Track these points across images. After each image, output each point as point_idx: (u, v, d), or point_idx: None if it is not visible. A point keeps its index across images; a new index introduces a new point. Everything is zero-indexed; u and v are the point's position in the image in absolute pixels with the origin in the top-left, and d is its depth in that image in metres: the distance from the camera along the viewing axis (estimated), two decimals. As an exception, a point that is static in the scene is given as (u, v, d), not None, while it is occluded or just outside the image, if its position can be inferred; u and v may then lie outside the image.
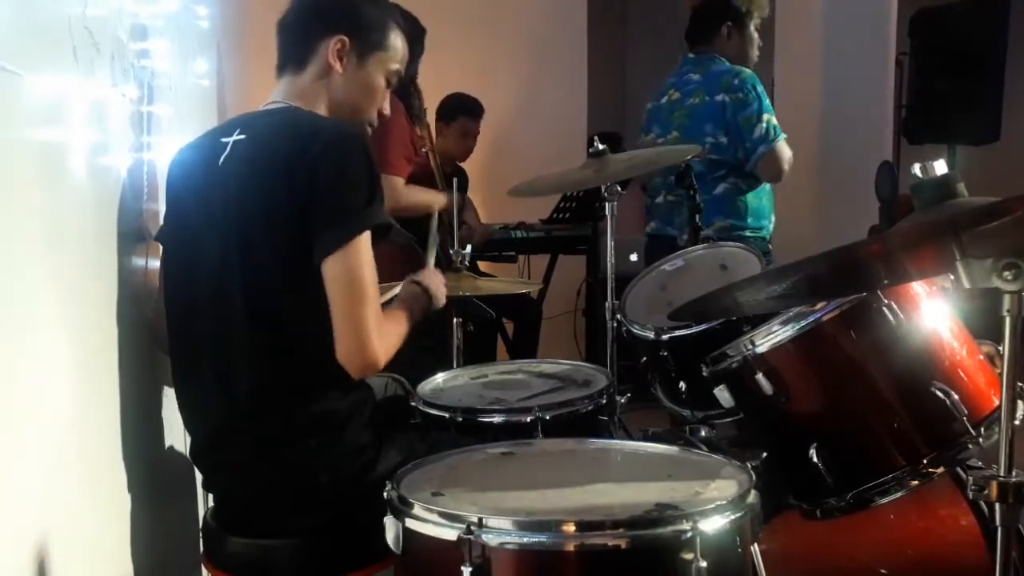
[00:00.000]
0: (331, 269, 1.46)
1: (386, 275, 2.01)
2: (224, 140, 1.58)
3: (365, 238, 1.48)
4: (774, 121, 2.94)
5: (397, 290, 1.82)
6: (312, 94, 1.67)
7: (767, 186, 3.06)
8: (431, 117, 3.51)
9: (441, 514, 1.23)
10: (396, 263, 2.03)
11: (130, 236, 1.68)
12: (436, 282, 1.80)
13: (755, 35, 3.15)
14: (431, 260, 2.01)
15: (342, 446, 1.53)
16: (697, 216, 2.64)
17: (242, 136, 1.57)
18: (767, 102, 2.96)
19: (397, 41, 1.74)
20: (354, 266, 1.46)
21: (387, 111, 1.79)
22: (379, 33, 1.71)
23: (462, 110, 3.97)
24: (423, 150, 3.05)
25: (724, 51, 3.10)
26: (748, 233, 3.00)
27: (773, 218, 3.13)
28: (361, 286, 1.47)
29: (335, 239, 1.45)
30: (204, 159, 1.60)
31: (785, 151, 2.94)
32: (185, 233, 1.61)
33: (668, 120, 3.11)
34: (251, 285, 1.50)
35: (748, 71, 3.01)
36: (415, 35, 2.93)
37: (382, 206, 1.51)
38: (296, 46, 1.67)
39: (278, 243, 1.48)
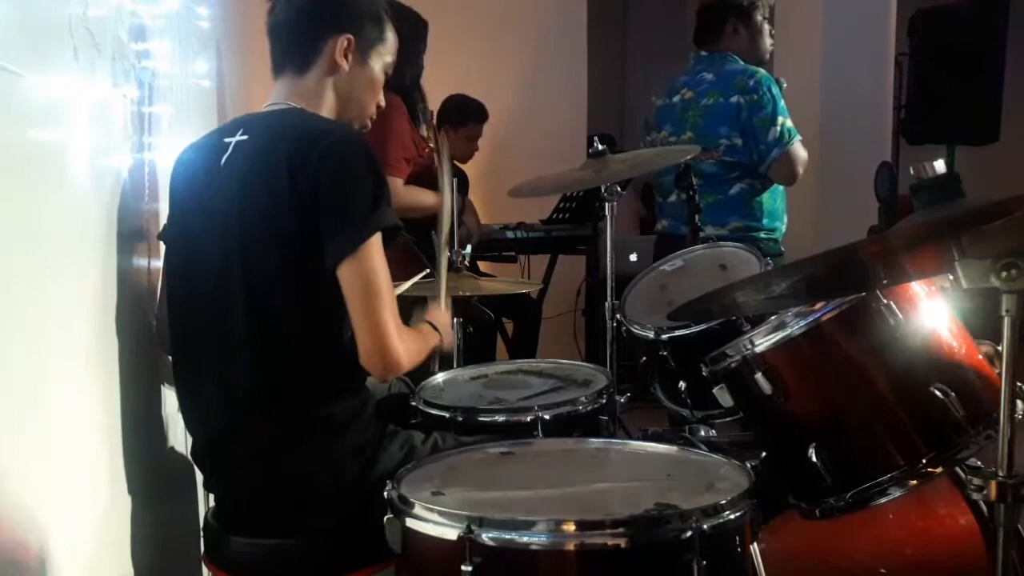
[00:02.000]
0: (346, 275, 1.46)
1: None
2: (227, 140, 1.58)
3: (376, 241, 1.48)
4: (789, 123, 2.87)
5: (401, 289, 1.82)
6: (316, 94, 1.67)
7: (780, 187, 3.01)
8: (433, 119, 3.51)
9: (441, 513, 1.23)
10: (393, 264, 2.03)
11: (131, 236, 1.68)
12: (446, 323, 1.81)
13: (765, 26, 3.07)
14: (442, 298, 1.93)
15: (342, 447, 1.53)
16: (696, 216, 2.64)
17: (244, 136, 1.57)
18: (782, 104, 2.90)
19: (391, 32, 1.75)
20: (367, 270, 1.46)
21: (383, 103, 1.79)
22: (378, 27, 1.72)
23: (470, 115, 3.99)
24: (426, 151, 3.05)
25: (734, 48, 3.03)
26: (762, 234, 2.96)
27: (786, 219, 3.08)
28: (376, 289, 1.47)
29: (346, 245, 1.45)
30: (206, 159, 1.60)
31: (799, 153, 2.88)
32: (187, 233, 1.61)
33: (682, 120, 3.04)
34: (252, 286, 1.50)
35: (762, 72, 2.94)
36: (418, 32, 2.92)
37: (390, 208, 1.51)
38: (297, 47, 1.66)
39: (279, 244, 1.49)
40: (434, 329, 1.75)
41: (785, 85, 2.99)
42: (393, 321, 1.49)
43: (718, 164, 2.91)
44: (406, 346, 1.51)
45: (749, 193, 2.94)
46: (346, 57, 1.66)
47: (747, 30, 3.04)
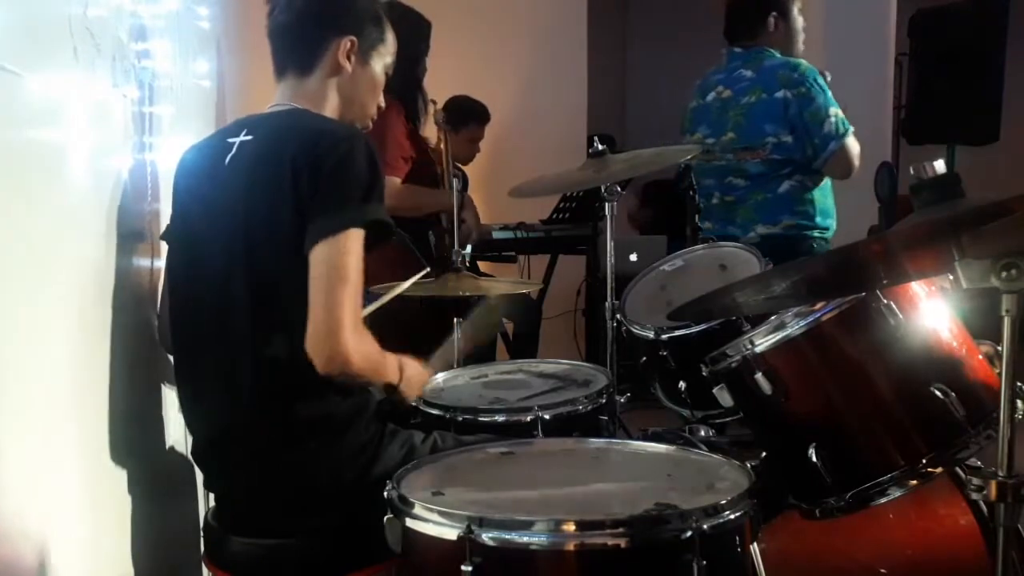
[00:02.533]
0: (316, 256, 1.43)
1: (378, 276, 2.00)
2: (230, 141, 1.58)
3: (357, 234, 1.45)
4: (841, 115, 2.74)
5: (394, 294, 1.81)
6: (319, 95, 1.67)
7: (829, 182, 2.89)
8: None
9: (441, 513, 1.23)
10: (389, 263, 2.03)
11: (131, 236, 1.68)
12: (415, 378, 1.65)
13: (800, 19, 2.94)
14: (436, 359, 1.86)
15: (343, 448, 1.53)
16: (696, 216, 2.64)
17: (249, 137, 1.57)
18: (830, 94, 2.76)
19: (390, 33, 1.76)
20: (340, 259, 1.43)
21: (383, 103, 1.80)
22: (378, 28, 1.73)
23: (472, 116, 3.98)
24: (429, 148, 3.05)
25: (772, 43, 2.89)
26: (816, 233, 2.85)
27: (835, 215, 2.95)
28: (344, 276, 1.43)
29: (325, 228, 1.43)
30: (210, 159, 1.60)
31: (854, 146, 2.76)
32: (190, 233, 1.61)
33: (720, 120, 2.91)
34: (255, 285, 1.50)
35: (805, 63, 2.81)
36: (421, 32, 2.92)
37: (381, 205, 1.50)
38: (299, 49, 1.66)
39: (282, 243, 1.48)
40: (400, 371, 1.59)
41: (830, 78, 2.87)
42: (352, 313, 1.43)
43: (765, 163, 2.80)
44: (359, 341, 1.44)
45: (799, 190, 2.82)
46: (349, 59, 1.67)
47: (786, 23, 2.92)
